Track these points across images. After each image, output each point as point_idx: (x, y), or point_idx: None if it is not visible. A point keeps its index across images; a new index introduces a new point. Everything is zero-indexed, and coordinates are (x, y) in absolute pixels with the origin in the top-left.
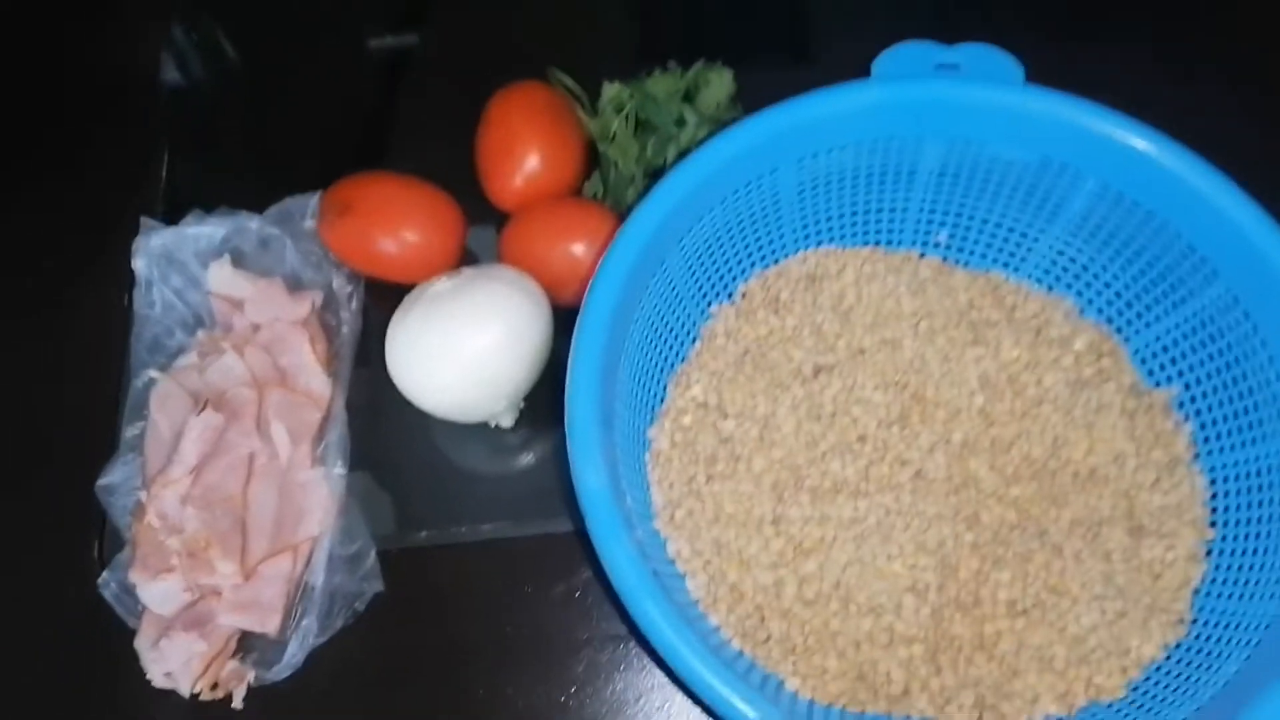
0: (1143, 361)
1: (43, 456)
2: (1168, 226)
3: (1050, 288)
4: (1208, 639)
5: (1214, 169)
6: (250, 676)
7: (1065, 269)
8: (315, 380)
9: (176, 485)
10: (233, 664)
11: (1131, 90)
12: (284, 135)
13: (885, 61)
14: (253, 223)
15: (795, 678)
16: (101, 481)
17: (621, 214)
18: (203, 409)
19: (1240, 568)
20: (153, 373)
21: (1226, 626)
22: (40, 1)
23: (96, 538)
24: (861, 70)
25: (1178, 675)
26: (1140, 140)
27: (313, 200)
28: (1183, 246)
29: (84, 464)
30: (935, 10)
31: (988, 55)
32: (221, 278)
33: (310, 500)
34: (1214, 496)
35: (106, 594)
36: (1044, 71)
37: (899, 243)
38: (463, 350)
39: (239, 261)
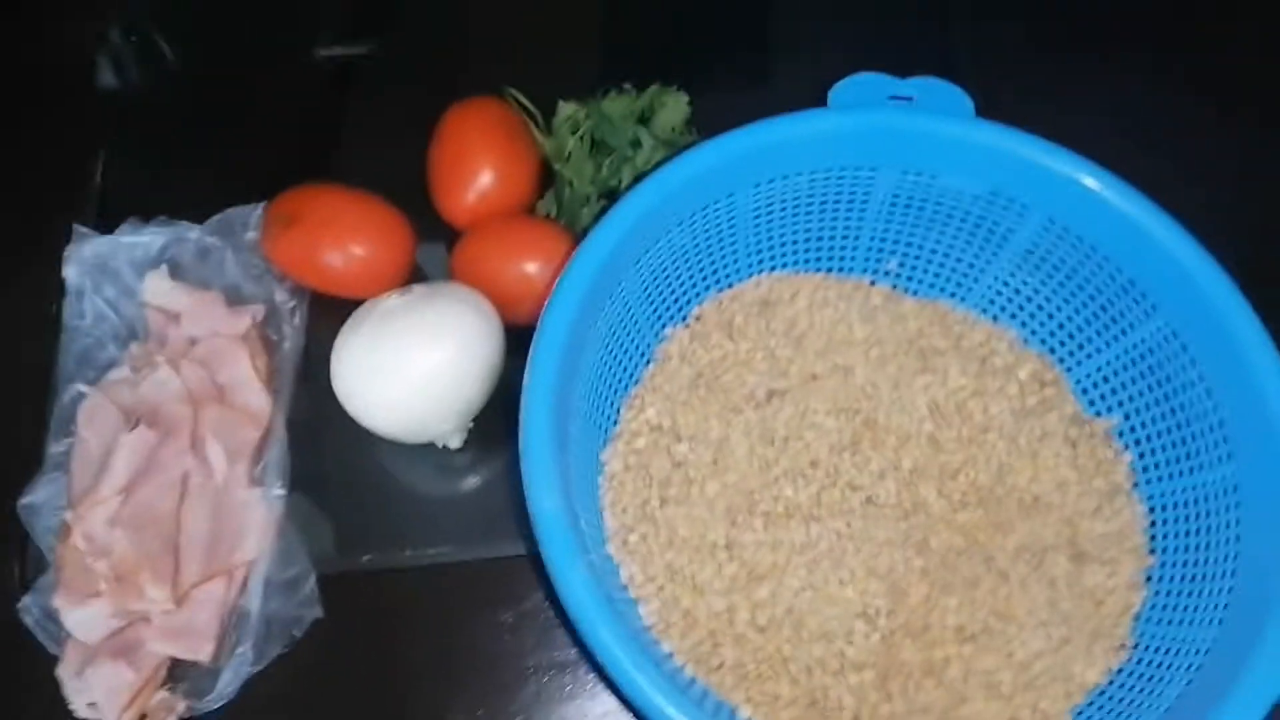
0: (1084, 391)
1: None
2: (1110, 260)
3: (995, 318)
4: (1150, 664)
5: (1156, 206)
6: (181, 707)
7: (1010, 299)
8: (254, 397)
9: (105, 505)
10: (162, 694)
11: (1083, 124)
12: (227, 144)
13: (841, 91)
14: (192, 233)
15: (748, 705)
16: (24, 501)
17: (576, 233)
18: (135, 426)
19: (1179, 594)
20: (81, 386)
21: (1167, 652)
22: None
23: (17, 560)
24: (817, 97)
25: (1121, 700)
26: (1085, 176)
27: (256, 211)
28: (1124, 280)
29: (6, 482)
30: (891, 42)
31: (940, 89)
32: (158, 289)
33: (247, 522)
34: (1153, 524)
35: (27, 619)
36: (997, 105)
37: (851, 270)
38: (413, 368)
39: (176, 273)
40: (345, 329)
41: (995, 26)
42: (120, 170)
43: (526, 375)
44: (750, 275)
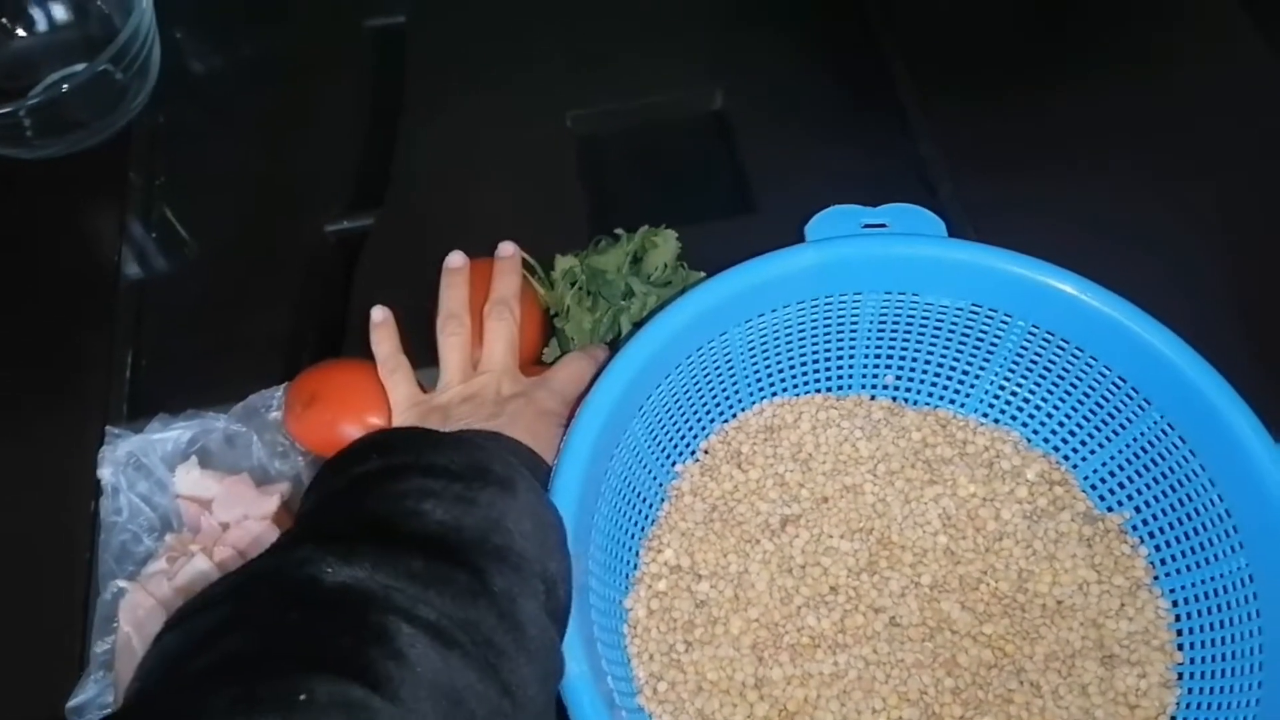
0: (1093, 487)
1: (11, 678)
2: (1098, 360)
3: (996, 420)
4: None
5: (1133, 305)
6: None
7: (1009, 402)
8: None
9: None
10: None
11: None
12: (243, 324)
13: (817, 225)
14: (218, 422)
15: None
16: (72, 703)
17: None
18: None
19: (1212, 690)
20: (121, 582)
21: None
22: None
23: None
24: (801, 219)
25: None
26: (1059, 283)
27: (277, 393)
28: (1115, 378)
29: (53, 684)
30: (866, 164)
31: (911, 213)
32: (188, 480)
33: None
34: (1177, 619)
35: None
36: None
37: (849, 388)
38: None
39: (206, 460)
40: None
41: (964, 144)
42: (147, 362)
43: None
44: (753, 404)
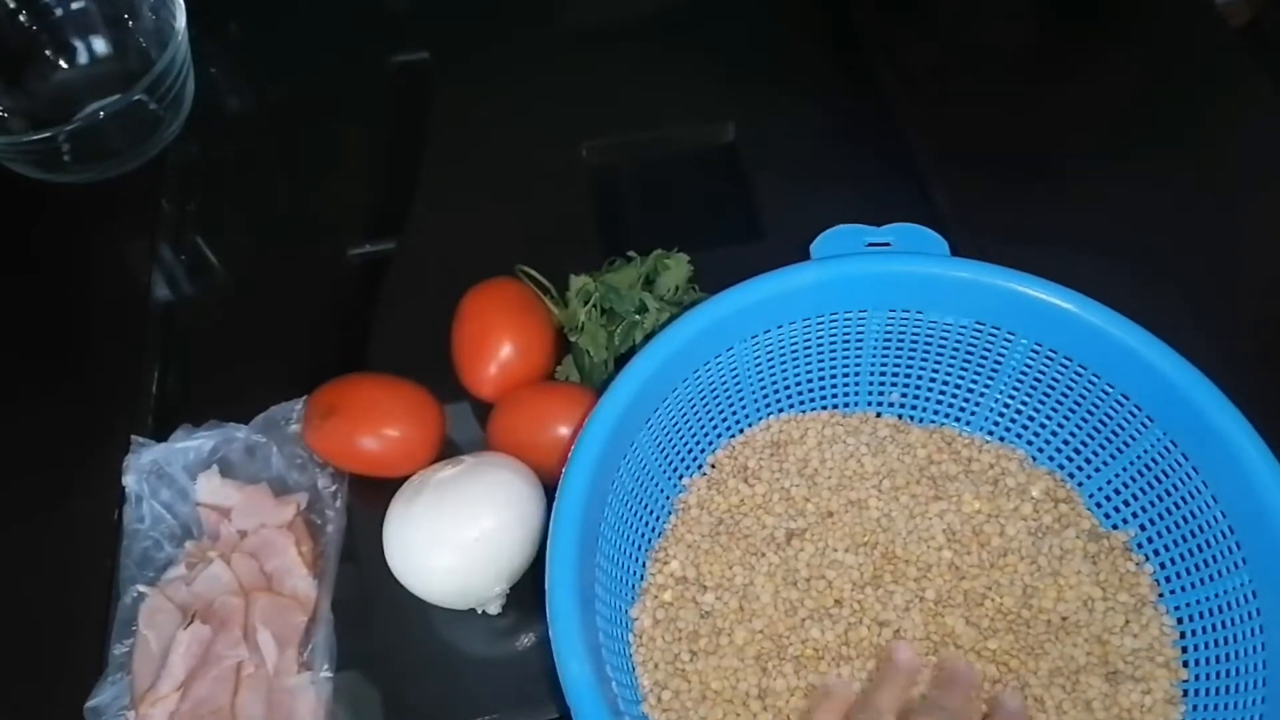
0: (1098, 505)
1: (31, 678)
2: (1101, 378)
3: (1002, 438)
4: None
5: (1133, 323)
6: None
7: (1013, 420)
8: (301, 582)
9: (165, 702)
10: None
11: (1050, 251)
12: (269, 345)
13: (823, 244)
14: (240, 432)
15: None
16: (90, 703)
17: (599, 394)
18: (190, 621)
19: (1215, 707)
20: (141, 587)
21: None
22: (39, 223)
23: None
24: (805, 243)
25: None
26: (1061, 301)
27: (297, 406)
28: (1118, 395)
29: (73, 684)
30: (868, 191)
31: (914, 233)
32: (209, 488)
33: (298, 707)
34: (1182, 636)
35: None
36: (971, 242)
37: (855, 405)
38: (470, 533)
39: (226, 470)
40: (398, 502)
41: (960, 173)
42: (174, 377)
43: (549, 544)
44: (760, 420)
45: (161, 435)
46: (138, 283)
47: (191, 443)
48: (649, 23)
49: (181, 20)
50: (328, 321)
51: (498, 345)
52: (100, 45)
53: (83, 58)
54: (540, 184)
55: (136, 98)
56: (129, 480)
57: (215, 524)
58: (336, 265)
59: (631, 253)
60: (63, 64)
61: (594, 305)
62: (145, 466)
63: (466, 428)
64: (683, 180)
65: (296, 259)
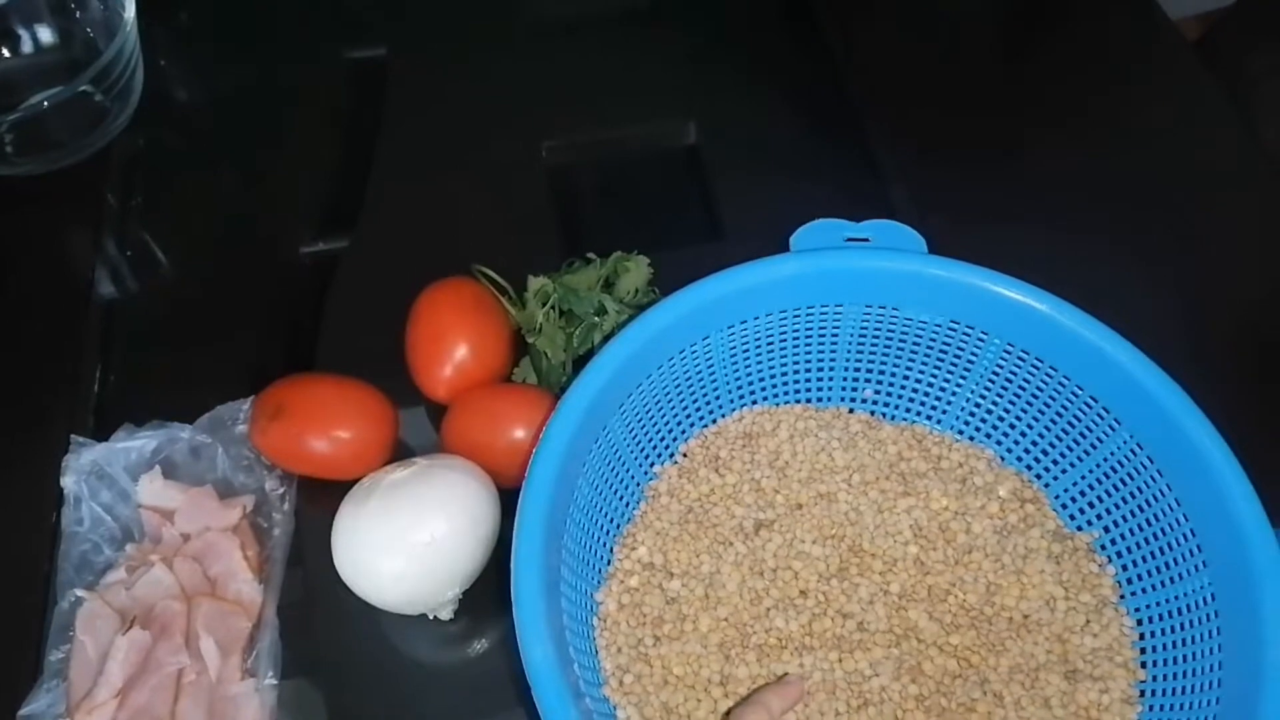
0: (1064, 506)
1: None
2: (1071, 379)
3: (971, 438)
4: None
5: (1104, 325)
6: None
7: (984, 420)
8: (245, 587)
9: (102, 710)
10: None
11: (1022, 254)
12: (216, 344)
13: (802, 237)
14: (184, 433)
15: None
16: (24, 711)
17: (557, 396)
18: (129, 627)
19: (1172, 707)
20: (79, 592)
21: None
22: None
23: None
24: (766, 244)
25: None
26: (1034, 302)
27: (244, 406)
28: (1086, 398)
29: (6, 691)
30: (837, 194)
31: (893, 229)
32: (152, 490)
33: (241, 715)
34: (1141, 637)
35: None
36: (942, 244)
37: (828, 400)
38: (421, 537)
39: (170, 472)
40: (348, 504)
41: (926, 166)
42: (116, 375)
43: (516, 525)
44: (733, 411)
45: (102, 435)
46: (79, 277)
47: (133, 443)
48: (610, 19)
49: (131, 10)
50: (278, 321)
51: (453, 346)
52: (46, 34)
53: (27, 46)
54: (499, 183)
55: (82, 88)
56: (67, 481)
57: (157, 527)
58: (287, 263)
59: (591, 254)
60: (5, 53)
61: (552, 307)
62: (85, 467)
63: (420, 430)
64: (643, 181)
65: (246, 256)
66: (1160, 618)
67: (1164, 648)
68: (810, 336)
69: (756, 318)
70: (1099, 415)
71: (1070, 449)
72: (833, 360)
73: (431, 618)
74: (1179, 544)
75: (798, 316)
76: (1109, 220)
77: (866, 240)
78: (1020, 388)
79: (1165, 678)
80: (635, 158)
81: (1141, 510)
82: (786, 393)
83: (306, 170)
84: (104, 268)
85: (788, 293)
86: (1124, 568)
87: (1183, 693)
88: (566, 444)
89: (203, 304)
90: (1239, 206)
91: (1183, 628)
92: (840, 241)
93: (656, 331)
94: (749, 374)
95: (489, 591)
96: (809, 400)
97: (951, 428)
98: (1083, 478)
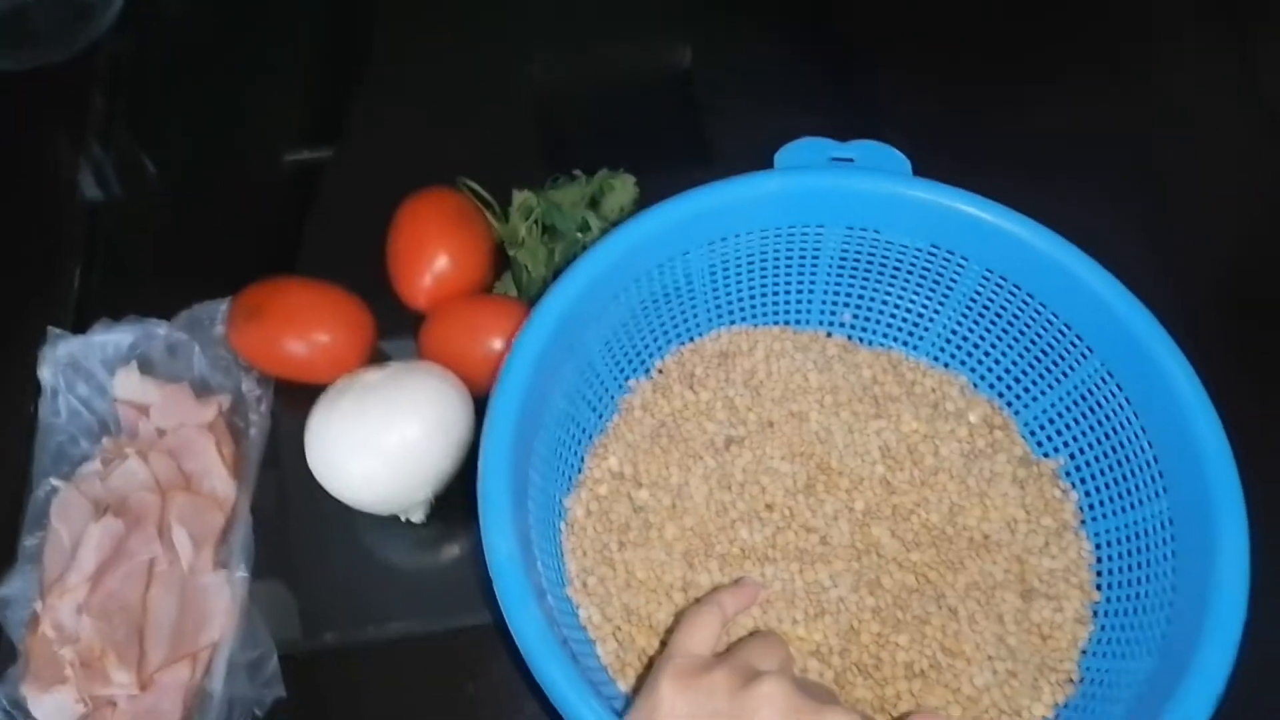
0: (1032, 433)
1: None
2: (1047, 307)
3: (946, 364)
4: (1093, 697)
5: (1082, 252)
6: None
7: (959, 347)
8: (220, 483)
9: (73, 594)
10: None
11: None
12: (198, 245)
13: (786, 154)
14: (161, 329)
15: None
16: None
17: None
18: (103, 515)
19: (1123, 628)
20: (55, 481)
21: (1110, 685)
22: None
23: None
24: (754, 169)
25: None
26: (1014, 226)
27: (222, 306)
28: (1061, 325)
29: None
30: (823, 117)
31: (879, 150)
32: (128, 384)
33: (211, 605)
34: (1099, 560)
35: None
36: (926, 168)
37: (807, 323)
38: (393, 438)
39: (147, 368)
40: (322, 403)
41: (917, 99)
42: (96, 272)
43: (484, 425)
44: (710, 330)
45: (82, 330)
46: (62, 177)
47: (110, 336)
48: None
49: None
50: (260, 226)
51: (434, 255)
52: None
53: None
54: (487, 97)
55: None
56: (44, 373)
57: (133, 421)
58: (272, 169)
59: (577, 172)
60: None
61: (536, 221)
62: (61, 359)
63: (399, 338)
64: (634, 102)
65: (231, 161)
66: (1119, 541)
67: (1120, 570)
68: (791, 257)
69: (738, 235)
70: (1072, 343)
71: (1041, 377)
72: (813, 283)
73: (404, 520)
74: (1140, 471)
75: (779, 236)
76: (1100, 163)
77: (851, 160)
78: (997, 314)
79: (1120, 599)
80: (627, 78)
81: (1107, 438)
82: (765, 314)
83: (294, 77)
84: (88, 168)
85: (770, 210)
86: (1087, 494)
87: (1135, 613)
88: (540, 350)
89: (186, 208)
90: (1237, 158)
91: (1139, 551)
92: (825, 161)
93: (634, 243)
94: (728, 293)
95: (462, 498)
96: (787, 322)
97: (927, 354)
98: (1052, 405)
